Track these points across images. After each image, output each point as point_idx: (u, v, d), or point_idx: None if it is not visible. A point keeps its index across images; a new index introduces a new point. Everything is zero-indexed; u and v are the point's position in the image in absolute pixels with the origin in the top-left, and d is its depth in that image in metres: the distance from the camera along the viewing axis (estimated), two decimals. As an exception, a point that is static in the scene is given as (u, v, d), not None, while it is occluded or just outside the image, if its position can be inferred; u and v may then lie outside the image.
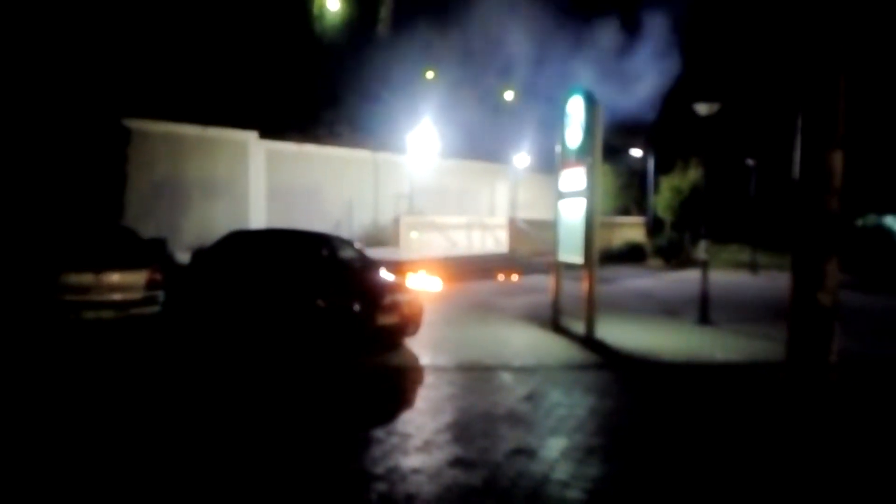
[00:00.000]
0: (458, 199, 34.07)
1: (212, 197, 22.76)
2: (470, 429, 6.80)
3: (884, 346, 12.00)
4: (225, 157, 23.31)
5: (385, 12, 32.22)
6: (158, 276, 11.11)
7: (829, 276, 6.75)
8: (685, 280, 22.76)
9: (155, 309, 11.00)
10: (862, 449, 6.49)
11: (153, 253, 11.80)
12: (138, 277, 10.89)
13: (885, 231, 42.11)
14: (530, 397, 8.05)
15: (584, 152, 12.26)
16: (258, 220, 23.75)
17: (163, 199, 21.33)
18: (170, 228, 20.10)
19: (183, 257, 11.95)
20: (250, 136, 23.99)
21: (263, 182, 24.49)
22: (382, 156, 29.53)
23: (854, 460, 6.19)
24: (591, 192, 12.08)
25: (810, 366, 6.81)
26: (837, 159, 6.70)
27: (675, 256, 31.53)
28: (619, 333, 12.33)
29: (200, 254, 12.03)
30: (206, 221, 21.72)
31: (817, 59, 6.83)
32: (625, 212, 39.62)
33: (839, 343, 6.94)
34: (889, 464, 6.15)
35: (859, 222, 42.12)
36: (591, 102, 12.18)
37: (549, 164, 15.96)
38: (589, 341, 11.65)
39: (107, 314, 10.54)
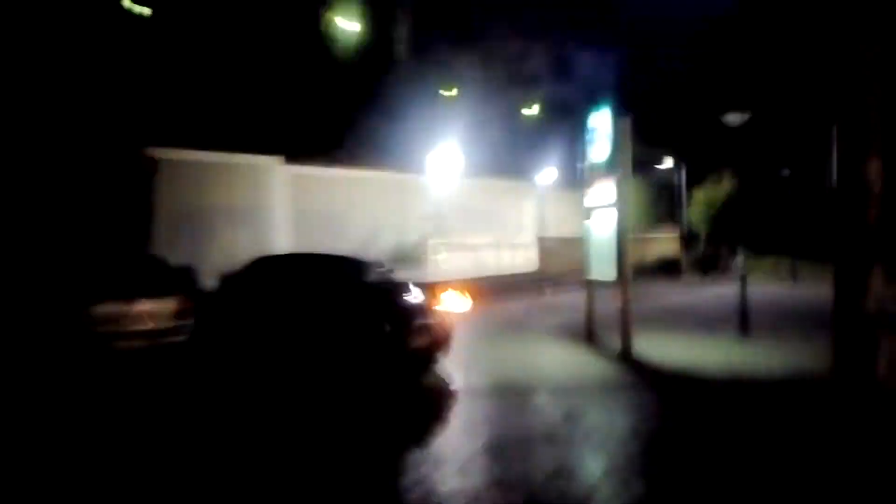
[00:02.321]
0: (484, 218, 33.85)
1: (237, 222, 22.84)
2: (507, 450, 6.58)
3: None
4: (250, 182, 23.42)
5: (402, 33, 32.36)
6: (187, 304, 11.02)
7: (873, 287, 6.58)
8: (723, 294, 22.22)
9: (184, 337, 10.91)
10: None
11: (181, 280, 11.74)
12: (168, 305, 10.82)
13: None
14: (568, 418, 7.77)
15: (612, 165, 12.01)
16: (284, 243, 23.75)
17: (189, 225, 21.43)
18: (196, 255, 20.12)
19: (209, 283, 11.87)
20: (274, 161, 24.10)
21: (289, 206, 24.53)
22: (408, 177, 29.48)
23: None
24: (621, 206, 11.81)
25: (857, 379, 6.55)
26: (875, 168, 6.59)
27: (711, 269, 30.97)
28: (657, 350, 11.99)
29: (227, 279, 11.94)
30: (232, 247, 21.75)
31: (851, 66, 6.72)
32: (658, 226, 39.13)
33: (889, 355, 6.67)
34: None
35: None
36: (618, 114, 11.94)
37: (577, 180, 15.69)
38: (626, 358, 11.34)
39: (138, 343, 10.46)
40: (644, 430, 7.30)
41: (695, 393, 9.20)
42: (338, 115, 28.91)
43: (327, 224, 25.60)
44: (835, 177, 6.79)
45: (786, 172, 29.25)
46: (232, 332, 11.00)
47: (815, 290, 23.37)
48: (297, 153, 24.94)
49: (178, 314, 10.90)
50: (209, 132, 22.62)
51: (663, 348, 12.26)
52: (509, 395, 8.96)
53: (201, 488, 5.78)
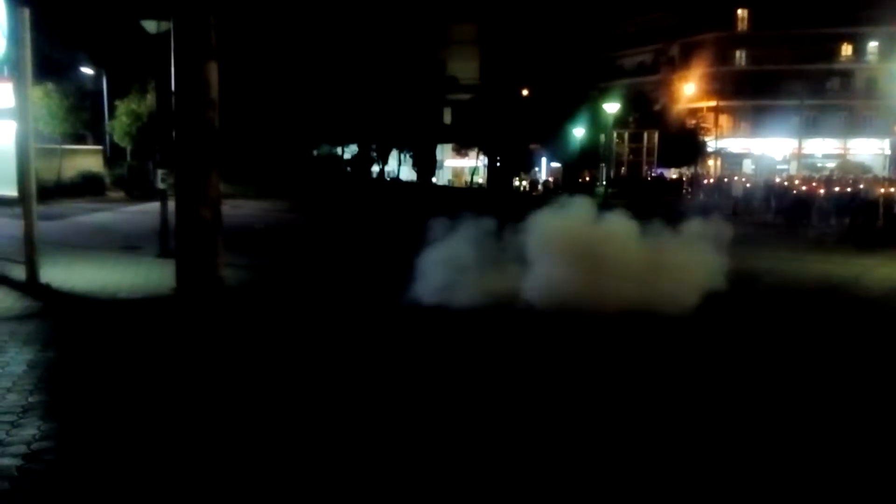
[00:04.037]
0: None
1: None
2: None
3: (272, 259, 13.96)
4: None
5: None
6: None
7: (212, 190, 6.54)
8: (149, 212, 21.71)
9: None
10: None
11: None
12: None
13: (336, 158, 47.39)
14: (-52, 362, 6.57)
15: (9, 65, 10.35)
16: None
17: None
18: None
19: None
20: None
21: None
22: None
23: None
24: (22, 113, 10.30)
25: (199, 283, 6.53)
26: (213, 71, 6.42)
27: (137, 187, 29.86)
28: (70, 275, 11.17)
29: None
30: None
31: None
32: (78, 139, 35.94)
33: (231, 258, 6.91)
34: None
35: (315, 152, 46.57)
36: (15, 3, 10.26)
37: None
38: (32, 286, 10.15)
39: None
40: (43, 362, 6.72)
41: (106, 316, 8.85)
42: None
43: None
44: (174, 80, 6.39)
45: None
46: None
47: (236, 207, 24.68)
48: None
49: None
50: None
51: (78, 272, 11.48)
52: None
53: None
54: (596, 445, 5.12)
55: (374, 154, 47.35)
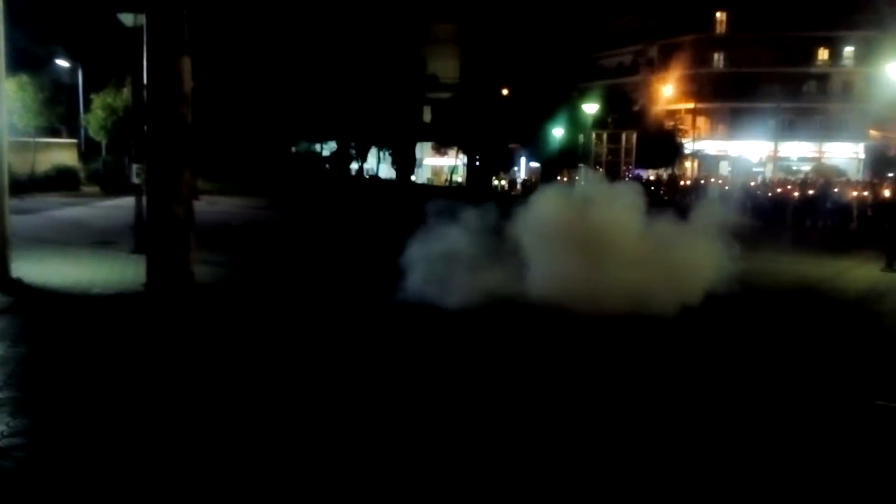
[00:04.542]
0: None
1: None
2: None
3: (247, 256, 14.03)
4: None
5: None
6: None
7: (184, 186, 6.44)
8: (124, 207, 21.47)
9: None
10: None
11: None
12: None
13: (314, 155, 47.22)
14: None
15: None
16: None
17: None
18: None
19: None
20: None
21: None
22: None
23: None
24: (-6, 106, 10.12)
25: (170, 279, 6.43)
26: (186, 65, 6.25)
27: (112, 182, 29.51)
28: (43, 270, 11.03)
29: None
30: None
31: None
32: (53, 133, 35.42)
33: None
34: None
35: (293, 149, 46.32)
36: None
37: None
38: (3, 281, 10.00)
39: None
40: (14, 358, 6.63)
41: (78, 312, 8.74)
42: None
43: None
44: (146, 74, 6.28)
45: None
46: None
47: (214, 204, 24.48)
48: None
49: None
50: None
51: (50, 268, 11.34)
52: None
53: None
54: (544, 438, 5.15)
55: (354, 151, 47.21)
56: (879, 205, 23.86)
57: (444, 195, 34.37)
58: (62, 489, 4.21)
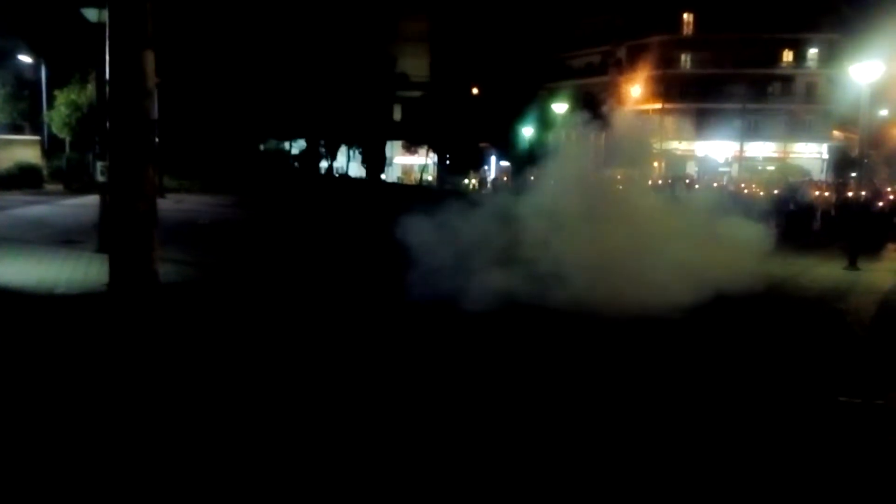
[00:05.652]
0: None
1: None
2: None
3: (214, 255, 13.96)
4: None
5: None
6: None
7: (147, 183, 6.34)
8: (88, 205, 21.11)
9: None
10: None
11: None
12: None
13: (283, 153, 46.85)
14: None
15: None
16: None
17: None
18: None
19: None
20: None
21: None
22: None
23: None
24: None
25: (133, 278, 6.33)
26: (149, 60, 6.21)
27: (76, 180, 28.97)
28: (5, 269, 10.88)
29: None
30: None
31: None
32: (15, 129, 34.69)
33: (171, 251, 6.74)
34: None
35: (261, 147, 45.92)
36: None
37: None
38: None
39: None
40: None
41: (41, 313, 8.52)
42: None
43: None
44: (108, 70, 6.28)
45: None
46: None
47: (180, 202, 24.21)
48: None
49: None
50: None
51: (12, 267, 11.15)
52: None
53: None
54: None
55: (323, 149, 46.91)
56: (843, 205, 24.30)
57: (414, 194, 34.58)
58: (18, 488, 4.13)
